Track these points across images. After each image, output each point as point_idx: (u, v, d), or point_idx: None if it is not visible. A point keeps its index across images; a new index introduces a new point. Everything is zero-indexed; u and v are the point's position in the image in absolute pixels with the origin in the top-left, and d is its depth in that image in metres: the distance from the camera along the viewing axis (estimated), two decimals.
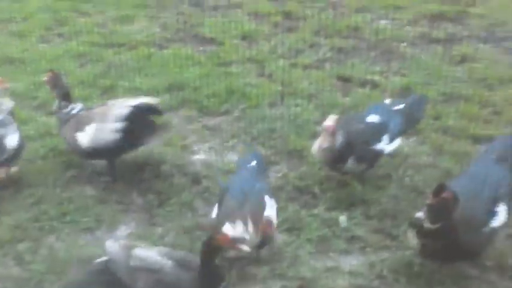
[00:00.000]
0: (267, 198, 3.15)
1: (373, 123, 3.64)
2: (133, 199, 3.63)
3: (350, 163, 3.53)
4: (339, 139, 3.49)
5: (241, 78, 4.81)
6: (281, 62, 5.06)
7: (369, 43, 5.32)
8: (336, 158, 3.53)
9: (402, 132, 3.74)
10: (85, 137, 3.61)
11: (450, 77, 4.75)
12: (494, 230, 2.96)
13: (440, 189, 2.74)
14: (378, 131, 3.61)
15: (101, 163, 3.81)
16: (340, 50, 5.23)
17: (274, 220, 3.11)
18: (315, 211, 3.49)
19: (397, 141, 3.71)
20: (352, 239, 3.33)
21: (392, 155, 3.83)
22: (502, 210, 2.98)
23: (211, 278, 2.76)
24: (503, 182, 3.06)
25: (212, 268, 2.75)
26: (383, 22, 5.67)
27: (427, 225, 2.81)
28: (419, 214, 2.87)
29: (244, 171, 3.33)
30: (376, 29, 5.50)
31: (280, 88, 4.66)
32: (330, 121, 3.44)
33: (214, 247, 2.74)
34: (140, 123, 3.64)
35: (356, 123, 3.62)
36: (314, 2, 6.02)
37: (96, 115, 3.64)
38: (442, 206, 2.75)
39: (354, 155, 3.52)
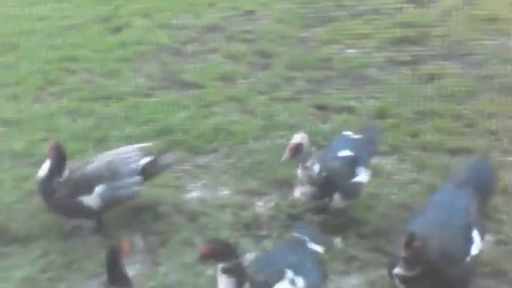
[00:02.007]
0: None
1: (347, 157, 3.50)
2: (135, 241, 3.52)
3: (336, 199, 3.41)
4: (319, 177, 3.36)
5: (225, 117, 4.75)
6: (260, 97, 5.00)
7: (340, 72, 5.28)
8: (319, 196, 3.41)
9: (369, 162, 3.64)
10: (95, 199, 3.50)
11: (421, 96, 4.71)
12: (476, 256, 2.83)
13: (410, 239, 2.59)
14: (353, 164, 3.48)
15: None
16: (314, 81, 5.20)
17: None
18: None
19: (368, 171, 3.58)
20: (350, 259, 3.24)
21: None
22: (476, 235, 2.85)
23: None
24: (471, 207, 2.93)
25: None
26: (351, 51, 5.64)
27: (408, 273, 2.65)
28: (397, 270, 2.68)
29: None
30: (346, 58, 5.47)
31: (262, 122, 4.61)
32: (296, 139, 3.33)
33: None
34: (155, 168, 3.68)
35: (331, 160, 3.47)
36: (284, 39, 5.97)
37: (98, 174, 3.53)
38: (416, 255, 2.61)
39: (338, 191, 3.39)
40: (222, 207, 3.75)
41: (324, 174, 3.35)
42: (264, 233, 3.55)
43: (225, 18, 6.64)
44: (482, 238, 2.89)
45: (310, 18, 6.33)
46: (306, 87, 5.13)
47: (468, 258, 2.78)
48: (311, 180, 3.34)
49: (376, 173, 3.92)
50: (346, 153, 3.51)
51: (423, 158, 4.05)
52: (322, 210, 3.50)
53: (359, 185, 3.50)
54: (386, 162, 4.06)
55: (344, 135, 3.74)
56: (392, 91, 4.87)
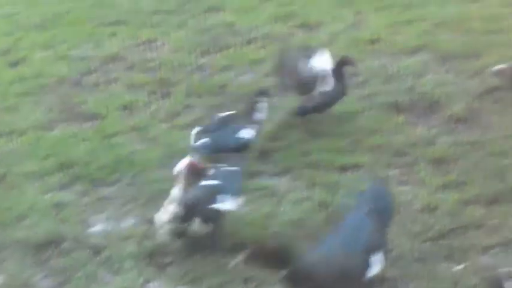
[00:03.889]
0: None
1: (208, 185, 3.55)
2: (36, 282, 3.41)
3: (196, 225, 3.45)
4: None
5: (127, 147, 4.69)
6: (162, 126, 4.97)
7: (236, 97, 5.32)
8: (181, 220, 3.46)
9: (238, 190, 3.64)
10: None
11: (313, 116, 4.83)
12: (372, 281, 2.91)
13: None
14: (214, 192, 3.51)
15: None
16: (212, 107, 5.21)
17: None
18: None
19: (239, 199, 3.61)
20: (247, 280, 3.26)
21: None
22: (376, 260, 2.91)
23: None
24: (374, 232, 2.98)
25: None
26: (246, 76, 5.70)
27: None
28: None
29: None
30: (241, 84, 5.53)
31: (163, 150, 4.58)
32: (182, 164, 3.35)
33: None
34: None
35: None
36: (183, 67, 5.97)
37: None
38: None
39: (198, 217, 3.44)
40: (126, 238, 3.70)
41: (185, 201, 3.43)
42: (168, 260, 3.53)
43: (125, 47, 6.56)
44: (382, 262, 2.95)
45: (207, 45, 6.36)
46: (205, 114, 5.14)
47: (364, 281, 2.85)
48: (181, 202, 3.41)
49: (270, 193, 4.01)
50: (209, 182, 3.57)
51: (314, 176, 4.15)
52: (181, 233, 3.53)
53: (219, 212, 3.51)
54: (279, 182, 4.14)
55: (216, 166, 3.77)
56: (285, 113, 4.95)
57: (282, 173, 4.28)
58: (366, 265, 2.87)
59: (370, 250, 2.90)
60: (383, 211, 3.13)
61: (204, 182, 3.56)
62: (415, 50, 5.73)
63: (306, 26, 6.54)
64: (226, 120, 4.39)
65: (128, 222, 3.88)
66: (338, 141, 4.50)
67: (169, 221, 3.49)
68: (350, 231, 3.00)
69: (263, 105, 4.50)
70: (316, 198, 3.93)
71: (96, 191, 4.22)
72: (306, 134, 4.62)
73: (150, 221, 3.83)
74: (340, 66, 4.73)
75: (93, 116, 5.22)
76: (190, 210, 3.43)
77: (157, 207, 3.92)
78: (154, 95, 5.51)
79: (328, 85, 4.65)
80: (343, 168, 4.24)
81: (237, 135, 4.29)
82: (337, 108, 4.88)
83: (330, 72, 4.68)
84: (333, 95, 4.68)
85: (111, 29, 6.99)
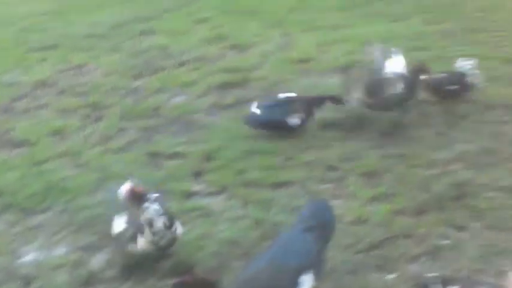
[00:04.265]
0: None
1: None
2: None
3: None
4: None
5: (58, 173, 4.56)
6: (94, 150, 4.87)
7: (169, 119, 5.30)
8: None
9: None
10: None
11: (247, 136, 4.82)
12: None
13: None
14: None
15: None
16: (145, 129, 5.17)
17: None
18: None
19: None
20: None
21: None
22: (307, 279, 2.87)
23: None
24: (311, 250, 2.96)
25: None
26: (179, 98, 5.68)
27: None
28: None
29: None
30: (174, 106, 5.51)
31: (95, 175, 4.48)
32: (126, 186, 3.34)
33: None
34: None
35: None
36: (116, 90, 5.89)
37: None
38: None
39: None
40: (58, 267, 3.58)
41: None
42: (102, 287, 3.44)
43: (57, 72, 6.43)
44: (314, 280, 2.90)
45: (140, 68, 6.31)
46: (138, 136, 5.08)
47: None
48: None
49: (205, 213, 3.99)
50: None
51: (249, 194, 4.15)
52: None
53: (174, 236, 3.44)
54: (214, 202, 4.11)
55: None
56: (219, 134, 4.96)
57: (216, 192, 4.25)
58: (295, 283, 2.82)
59: (303, 268, 2.86)
60: (324, 227, 3.12)
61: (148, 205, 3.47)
62: (343, 69, 5.85)
63: (237, 47, 6.60)
64: (284, 101, 4.80)
65: (60, 251, 3.75)
66: (271, 159, 4.52)
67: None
68: (283, 249, 2.97)
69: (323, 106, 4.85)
70: (251, 216, 3.92)
71: (26, 219, 4.07)
72: (239, 153, 4.61)
73: (83, 248, 3.74)
74: (416, 73, 4.82)
75: (22, 143, 5.08)
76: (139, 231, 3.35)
77: (90, 233, 3.86)
78: (86, 119, 5.43)
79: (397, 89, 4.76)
80: (277, 185, 4.25)
81: (286, 117, 4.70)
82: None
83: (402, 76, 4.79)
84: (400, 98, 4.78)
85: (42, 54, 6.87)
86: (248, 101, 5.43)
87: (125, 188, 3.47)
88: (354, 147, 4.58)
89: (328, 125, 4.92)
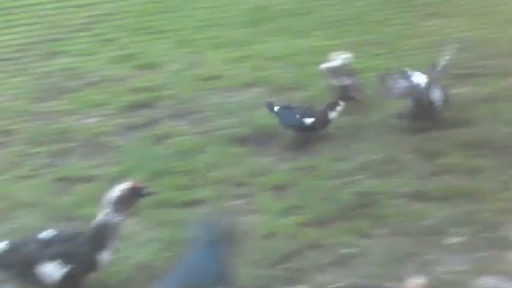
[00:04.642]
0: None
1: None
2: None
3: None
4: None
5: None
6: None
7: (79, 142, 5.16)
8: None
9: None
10: None
11: (158, 156, 4.76)
12: None
13: None
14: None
15: None
16: (54, 154, 5.01)
17: None
18: None
19: None
20: None
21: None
22: None
23: None
24: (218, 267, 2.97)
25: None
26: (88, 120, 5.54)
27: None
28: None
29: None
30: (84, 128, 5.37)
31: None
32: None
33: None
34: None
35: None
36: (22, 114, 5.68)
37: None
38: None
39: None
40: None
41: None
42: None
43: None
44: None
45: (46, 91, 6.11)
46: (47, 162, 4.92)
47: None
48: None
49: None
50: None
51: (161, 215, 4.10)
52: None
53: None
54: (127, 225, 4.01)
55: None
56: (130, 155, 4.88)
57: (128, 215, 4.16)
58: None
59: (213, 286, 2.88)
60: (227, 241, 3.12)
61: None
62: (250, 85, 5.91)
63: (145, 67, 6.52)
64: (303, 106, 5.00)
65: None
66: (181, 178, 4.50)
67: None
68: (190, 268, 2.97)
69: (340, 108, 4.94)
70: (164, 238, 3.88)
71: None
72: (150, 174, 4.54)
73: None
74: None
75: None
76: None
77: None
78: None
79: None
80: (189, 205, 4.23)
81: (301, 118, 4.82)
82: (182, 144, 4.90)
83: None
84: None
85: None
86: (158, 121, 5.40)
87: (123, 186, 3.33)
88: (263, 162, 4.63)
89: (235, 141, 4.95)
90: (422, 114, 4.90)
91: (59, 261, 3.27)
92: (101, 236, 3.34)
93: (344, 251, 3.66)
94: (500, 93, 5.36)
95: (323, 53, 6.18)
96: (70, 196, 4.43)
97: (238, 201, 4.25)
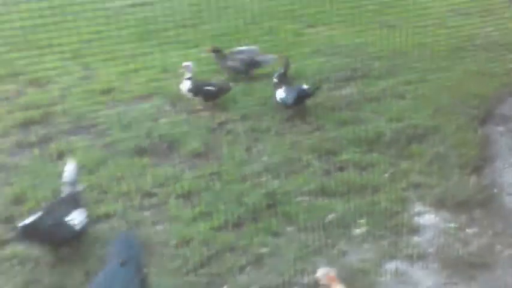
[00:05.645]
0: None
1: None
2: None
3: None
4: None
5: None
6: None
7: None
8: None
9: None
10: None
11: (55, 174, 4.50)
12: None
13: None
14: None
15: None
16: None
17: None
18: None
19: None
20: None
21: None
22: None
23: None
24: (134, 283, 2.90)
25: None
26: None
27: None
28: None
29: None
30: None
31: None
32: None
33: None
34: None
35: None
36: None
37: None
38: None
39: None
40: None
41: None
42: None
43: None
44: None
45: None
46: None
47: None
48: None
49: (24, 260, 3.67)
50: None
51: None
52: None
53: None
54: (31, 247, 3.78)
55: None
56: (25, 174, 4.58)
57: None
58: None
59: None
60: (137, 257, 3.06)
61: None
62: (147, 96, 5.80)
63: (35, 83, 6.18)
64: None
65: None
66: (89, 193, 4.28)
67: None
68: (104, 285, 2.85)
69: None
70: (79, 253, 3.68)
71: None
72: (50, 192, 4.28)
73: None
74: None
75: None
76: None
77: None
78: None
79: None
80: (97, 220, 4.04)
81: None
82: (81, 160, 4.68)
83: None
84: None
85: None
86: (52, 138, 5.12)
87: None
88: (169, 171, 4.54)
89: (139, 152, 4.82)
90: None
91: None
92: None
93: (258, 251, 3.66)
94: (381, 93, 5.64)
95: (212, 62, 6.23)
96: None
97: (148, 212, 4.12)
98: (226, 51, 6.17)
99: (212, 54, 6.18)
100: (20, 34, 6.79)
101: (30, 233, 3.54)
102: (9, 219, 4.09)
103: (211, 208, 4.05)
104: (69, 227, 3.61)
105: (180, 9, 7.42)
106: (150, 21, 7.18)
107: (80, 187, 3.94)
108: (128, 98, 5.78)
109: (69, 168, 3.90)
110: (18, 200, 4.29)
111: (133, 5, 8.29)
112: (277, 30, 7.19)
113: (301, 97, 5.27)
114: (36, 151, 4.93)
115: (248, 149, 4.81)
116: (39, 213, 3.63)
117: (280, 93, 5.32)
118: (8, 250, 3.79)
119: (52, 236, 3.60)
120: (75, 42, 7.06)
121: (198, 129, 5.13)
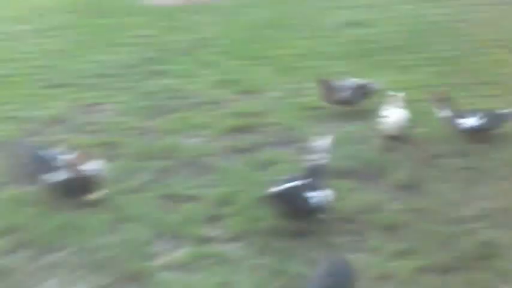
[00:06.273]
0: None
1: None
2: None
3: None
4: None
5: (73, 212, 4.27)
6: (109, 189, 4.57)
7: (183, 161, 5.05)
8: None
9: None
10: None
11: (262, 182, 4.55)
12: None
13: None
14: None
15: None
16: (159, 171, 4.91)
17: None
18: None
19: None
20: None
21: None
22: None
23: None
24: None
25: None
26: (192, 141, 5.44)
27: None
28: None
29: None
30: (187, 148, 5.26)
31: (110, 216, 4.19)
32: None
33: None
34: None
35: None
36: (128, 130, 5.65)
37: None
38: None
39: None
40: None
41: None
42: None
43: (69, 110, 6.17)
44: None
45: (151, 109, 6.08)
46: (153, 178, 4.82)
47: None
48: None
49: (222, 260, 3.76)
50: None
51: (266, 242, 3.88)
52: None
53: None
54: (231, 249, 3.87)
55: None
56: (234, 178, 4.71)
57: (233, 239, 4.00)
58: None
59: None
60: (341, 286, 2.94)
61: None
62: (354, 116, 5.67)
63: (247, 92, 6.40)
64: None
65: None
66: None
67: None
68: None
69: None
70: (269, 266, 3.67)
71: (43, 257, 3.84)
72: (255, 199, 4.30)
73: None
74: None
75: None
76: None
77: (107, 274, 3.62)
78: (98, 159, 5.13)
79: None
80: (295, 234, 3.99)
81: None
82: (283, 171, 4.67)
83: None
84: None
85: (55, 91, 6.63)
86: (261, 146, 5.21)
87: None
88: (372, 199, 4.34)
89: (344, 175, 4.67)
90: None
91: None
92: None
93: None
94: None
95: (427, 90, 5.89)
96: (176, 214, 4.30)
97: (346, 238, 3.96)
98: None
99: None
100: (234, 45, 7.13)
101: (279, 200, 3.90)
102: (213, 219, 4.22)
103: (416, 246, 3.77)
104: (306, 201, 3.84)
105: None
106: (361, 42, 7.10)
107: (325, 161, 4.12)
108: (334, 116, 5.70)
109: (325, 141, 4.14)
110: (222, 202, 4.42)
111: (347, 24, 8.30)
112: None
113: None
114: (244, 158, 5.07)
115: (463, 190, 4.43)
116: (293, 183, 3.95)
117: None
118: (210, 248, 3.90)
119: (289, 207, 3.89)
120: (286, 56, 7.26)
121: (408, 159, 4.88)
